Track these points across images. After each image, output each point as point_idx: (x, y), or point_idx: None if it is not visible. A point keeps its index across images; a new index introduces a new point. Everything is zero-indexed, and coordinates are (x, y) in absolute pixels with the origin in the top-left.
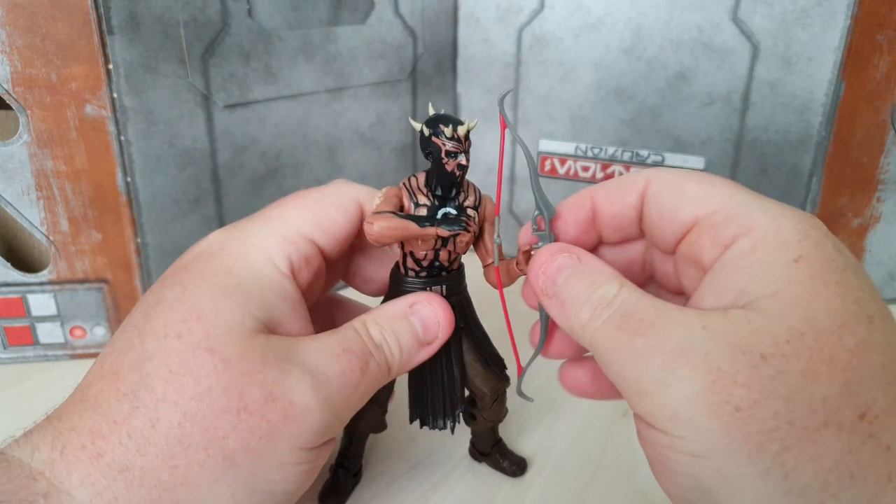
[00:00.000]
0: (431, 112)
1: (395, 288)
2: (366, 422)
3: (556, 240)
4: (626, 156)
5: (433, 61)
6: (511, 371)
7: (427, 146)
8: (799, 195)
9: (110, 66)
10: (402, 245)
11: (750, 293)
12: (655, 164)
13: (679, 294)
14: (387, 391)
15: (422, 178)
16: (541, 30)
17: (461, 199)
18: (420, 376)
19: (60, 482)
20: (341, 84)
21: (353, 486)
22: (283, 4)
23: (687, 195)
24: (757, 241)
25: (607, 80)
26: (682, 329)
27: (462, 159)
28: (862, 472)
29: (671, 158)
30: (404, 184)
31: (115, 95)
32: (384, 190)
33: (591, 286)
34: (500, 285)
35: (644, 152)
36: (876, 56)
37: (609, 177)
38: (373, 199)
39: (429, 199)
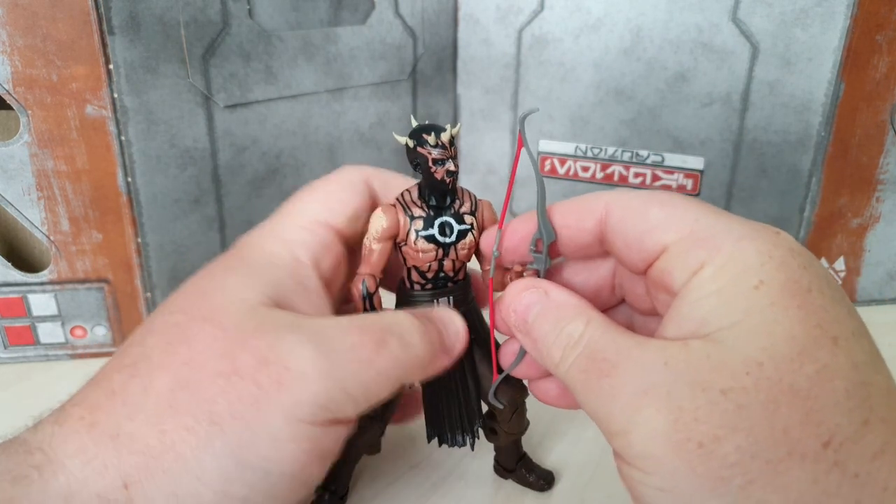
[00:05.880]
0: (415, 124)
1: (402, 303)
2: (364, 440)
3: (550, 265)
4: (626, 156)
5: (433, 62)
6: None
7: (414, 157)
8: (798, 195)
9: (111, 67)
10: (405, 260)
11: (711, 324)
12: (655, 165)
13: (652, 315)
14: (390, 408)
15: (415, 190)
16: (541, 30)
17: (456, 206)
18: (434, 392)
19: (55, 454)
20: (342, 84)
21: None
22: (284, 5)
23: (651, 221)
24: (719, 269)
25: (607, 80)
26: (644, 368)
27: (450, 165)
28: (829, 501)
29: (670, 158)
30: (398, 199)
31: (115, 95)
32: (378, 215)
33: (559, 323)
34: (490, 297)
35: (644, 152)
36: (875, 56)
37: (609, 177)
38: (379, 177)
39: (424, 210)
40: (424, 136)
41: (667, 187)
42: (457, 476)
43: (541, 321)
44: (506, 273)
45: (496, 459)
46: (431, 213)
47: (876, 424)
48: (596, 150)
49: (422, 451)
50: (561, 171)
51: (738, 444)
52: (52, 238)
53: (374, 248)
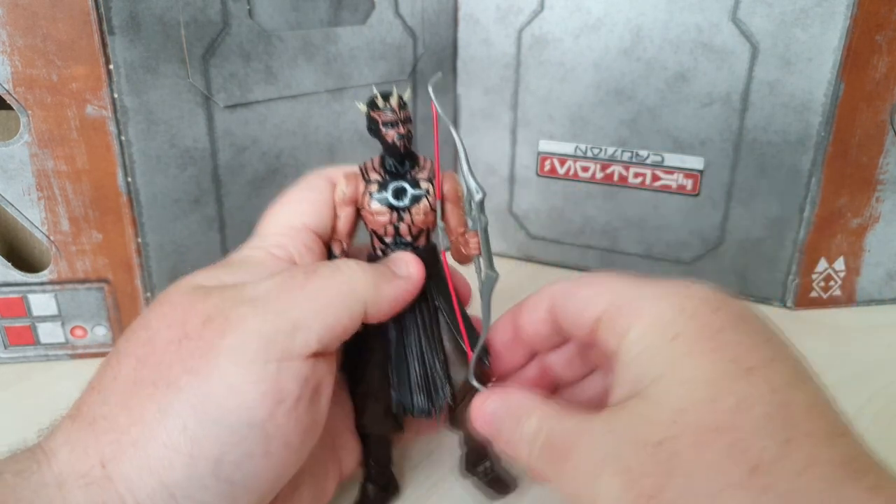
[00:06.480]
0: (375, 92)
1: None
2: (369, 419)
3: (486, 222)
4: (626, 156)
5: (433, 62)
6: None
7: (370, 124)
8: (798, 195)
9: (111, 67)
10: (366, 225)
11: (641, 382)
12: (655, 165)
13: None
14: (385, 381)
15: (378, 159)
16: (540, 30)
17: (414, 172)
18: (400, 357)
19: (50, 448)
20: (342, 84)
21: (386, 500)
22: (284, 5)
23: (582, 300)
24: (642, 330)
25: (607, 80)
26: (595, 440)
27: (400, 128)
28: None
29: (670, 158)
30: (360, 166)
31: (115, 96)
32: (340, 181)
33: (519, 423)
34: (446, 267)
35: (643, 153)
36: (875, 56)
37: (608, 177)
38: (341, 172)
39: (380, 175)
40: (375, 99)
41: (666, 187)
42: (457, 476)
43: (505, 425)
44: (452, 240)
45: (465, 455)
46: (387, 178)
47: (800, 440)
48: (596, 150)
49: (422, 451)
50: (561, 171)
51: (680, 490)
52: (52, 238)
53: (339, 215)
